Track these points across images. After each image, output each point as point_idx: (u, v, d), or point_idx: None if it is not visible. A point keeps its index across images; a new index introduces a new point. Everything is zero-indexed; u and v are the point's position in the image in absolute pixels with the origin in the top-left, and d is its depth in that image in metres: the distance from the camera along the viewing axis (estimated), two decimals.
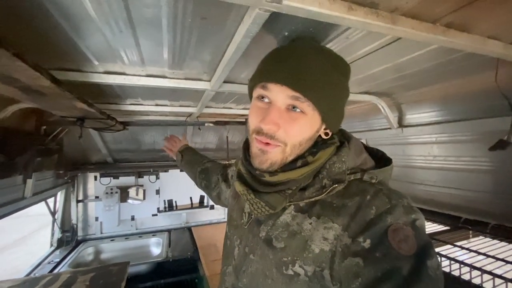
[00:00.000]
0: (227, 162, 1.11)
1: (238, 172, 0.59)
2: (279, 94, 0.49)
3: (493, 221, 1.04)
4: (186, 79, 0.94)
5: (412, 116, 1.29)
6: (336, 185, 0.49)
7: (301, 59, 0.49)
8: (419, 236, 0.43)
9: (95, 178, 2.48)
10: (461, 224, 1.06)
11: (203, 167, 1.08)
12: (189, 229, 2.72)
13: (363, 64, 0.85)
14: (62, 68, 0.80)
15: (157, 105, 1.43)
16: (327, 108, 0.50)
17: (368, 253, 0.42)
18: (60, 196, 2.24)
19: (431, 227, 1.19)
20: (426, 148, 1.24)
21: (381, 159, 0.57)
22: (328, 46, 0.68)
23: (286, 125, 0.49)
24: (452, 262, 0.86)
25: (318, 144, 0.54)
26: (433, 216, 1.16)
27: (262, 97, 0.52)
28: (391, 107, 1.31)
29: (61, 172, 1.89)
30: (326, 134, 0.55)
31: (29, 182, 1.60)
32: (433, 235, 1.05)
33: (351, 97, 1.20)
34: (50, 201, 2.15)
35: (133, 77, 0.87)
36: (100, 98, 1.22)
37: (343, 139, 0.56)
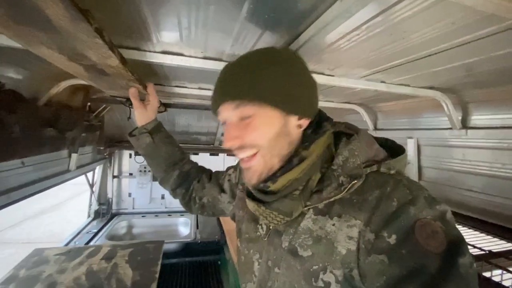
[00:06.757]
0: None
1: (247, 190, 0.58)
2: (226, 112, 0.51)
3: None
4: None
5: (479, 117, 1.15)
6: (355, 181, 0.46)
7: (231, 70, 0.51)
8: (449, 231, 0.40)
9: (130, 155, 2.57)
10: None
11: (183, 170, 0.89)
12: None
13: (432, 60, 0.76)
14: (121, 46, 0.78)
15: (200, 88, 1.40)
16: (276, 96, 0.48)
17: (394, 250, 0.40)
18: (98, 170, 2.34)
19: (496, 244, 1.08)
20: (493, 154, 1.11)
21: (392, 149, 0.52)
22: None
23: (245, 132, 0.50)
24: None
25: (308, 136, 0.52)
26: (500, 231, 1.05)
27: (224, 122, 0.55)
28: (455, 105, 1.18)
29: (101, 148, 1.96)
30: (312, 123, 0.54)
31: (74, 156, 1.67)
32: (494, 255, 0.93)
33: (412, 91, 1.11)
34: (89, 174, 2.26)
35: (190, 59, 0.83)
36: (147, 78, 1.20)
37: (351, 131, 0.53)
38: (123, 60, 0.58)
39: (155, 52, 0.82)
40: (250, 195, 0.56)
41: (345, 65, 0.88)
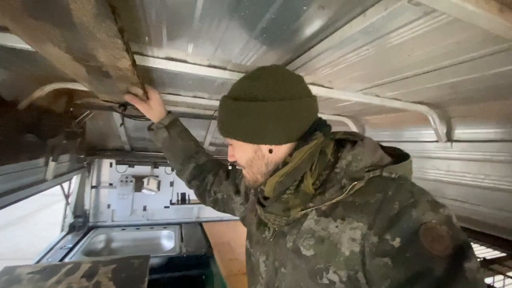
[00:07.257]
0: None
1: (257, 198, 0.62)
2: None
3: None
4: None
5: (462, 131, 1.23)
6: (356, 183, 0.48)
7: (220, 107, 0.61)
8: (455, 235, 0.41)
9: (110, 164, 2.43)
10: None
11: (199, 163, 0.94)
12: (200, 224, 2.67)
13: (428, 76, 0.81)
14: None
15: (194, 97, 1.37)
16: (242, 134, 0.57)
17: (398, 253, 0.41)
18: (76, 180, 2.19)
19: (484, 252, 1.14)
20: (476, 165, 1.18)
21: (400, 157, 0.55)
22: None
23: (234, 153, 0.63)
24: None
25: (298, 146, 0.56)
26: (483, 238, 1.10)
27: None
28: (440, 119, 1.25)
29: (81, 156, 1.84)
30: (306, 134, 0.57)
31: (51, 164, 1.54)
32: (490, 262, 0.97)
33: (402, 105, 1.17)
34: (64, 185, 2.10)
35: (194, 66, 0.82)
36: None
37: (356, 138, 0.57)
38: (134, 62, 0.55)
39: (158, 57, 0.79)
40: (258, 200, 0.60)
41: (346, 79, 0.91)
